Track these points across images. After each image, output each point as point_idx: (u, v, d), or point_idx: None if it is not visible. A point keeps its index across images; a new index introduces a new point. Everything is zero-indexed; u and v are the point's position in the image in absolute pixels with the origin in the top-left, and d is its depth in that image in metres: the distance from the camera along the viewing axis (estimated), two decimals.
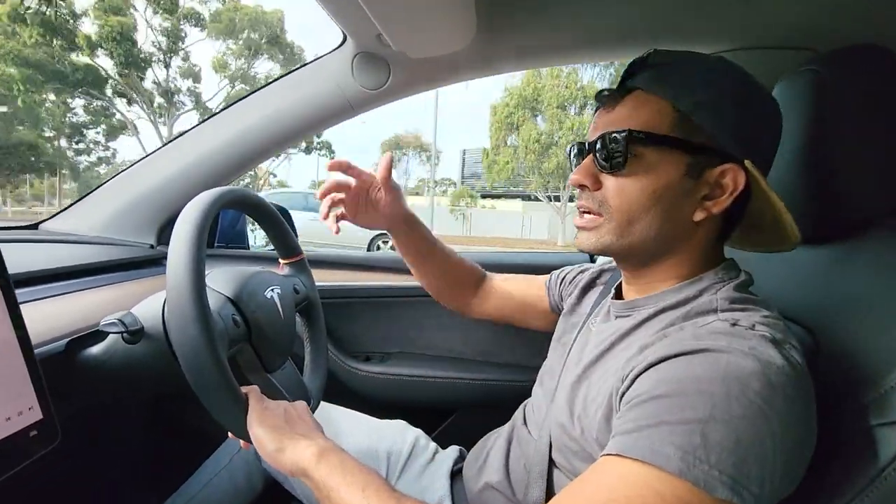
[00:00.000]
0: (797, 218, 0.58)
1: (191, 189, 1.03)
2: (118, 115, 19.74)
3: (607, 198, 0.53)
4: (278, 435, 0.51)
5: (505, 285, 0.90)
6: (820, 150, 0.56)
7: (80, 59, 16.69)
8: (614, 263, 0.64)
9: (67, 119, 19.06)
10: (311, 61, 0.97)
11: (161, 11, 17.64)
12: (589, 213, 0.55)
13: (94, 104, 18.99)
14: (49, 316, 0.65)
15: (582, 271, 0.80)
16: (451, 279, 0.89)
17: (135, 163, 1.06)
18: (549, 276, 0.85)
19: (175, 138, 1.05)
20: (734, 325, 0.45)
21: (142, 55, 17.76)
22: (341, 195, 0.75)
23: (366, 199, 0.78)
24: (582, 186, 0.55)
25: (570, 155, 0.59)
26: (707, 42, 0.88)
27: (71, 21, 16.15)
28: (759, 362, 0.40)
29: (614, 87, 0.56)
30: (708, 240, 0.54)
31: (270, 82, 1.01)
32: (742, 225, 0.56)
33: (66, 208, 1.07)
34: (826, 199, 0.56)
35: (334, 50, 0.93)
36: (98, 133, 20.03)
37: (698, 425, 0.38)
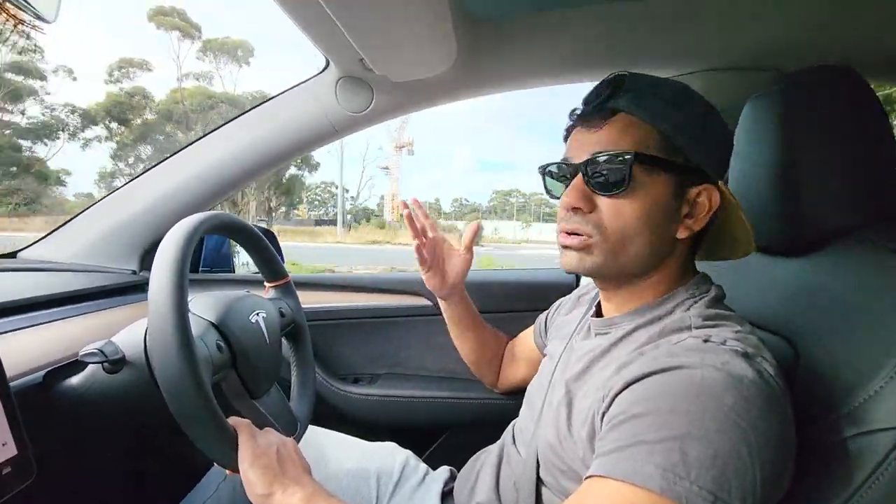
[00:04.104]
0: (772, 233, 0.60)
1: (174, 214, 1.02)
2: None
3: (603, 220, 0.52)
4: (269, 478, 0.50)
5: (520, 349, 0.92)
6: (789, 166, 0.58)
7: None
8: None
9: None
10: (295, 85, 0.98)
11: None
12: (577, 234, 0.53)
13: None
14: (26, 347, 0.63)
15: (564, 300, 0.83)
16: (490, 352, 0.93)
17: (117, 188, 1.05)
18: (534, 326, 0.87)
19: (158, 163, 1.05)
20: (706, 341, 0.46)
21: None
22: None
23: (439, 259, 0.82)
24: (574, 209, 0.53)
25: (544, 173, 0.58)
26: (678, 64, 0.91)
27: None
28: (731, 377, 0.41)
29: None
30: (686, 255, 0.56)
31: (254, 107, 1.01)
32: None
33: (45, 236, 1.05)
34: (798, 213, 0.58)
35: (318, 74, 0.94)
36: None
37: (676, 442, 0.39)
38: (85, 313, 0.80)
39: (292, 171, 23.48)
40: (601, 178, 0.51)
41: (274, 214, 24.24)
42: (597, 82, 0.55)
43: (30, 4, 0.51)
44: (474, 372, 0.95)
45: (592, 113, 0.54)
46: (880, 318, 0.47)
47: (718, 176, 0.52)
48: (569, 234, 0.54)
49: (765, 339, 0.50)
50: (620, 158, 0.50)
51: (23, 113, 20.83)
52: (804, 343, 0.55)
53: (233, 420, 0.54)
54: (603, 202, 0.52)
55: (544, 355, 0.76)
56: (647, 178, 0.50)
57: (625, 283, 0.57)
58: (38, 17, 0.54)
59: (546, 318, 0.85)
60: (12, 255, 1.04)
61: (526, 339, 0.90)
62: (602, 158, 0.50)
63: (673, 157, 0.51)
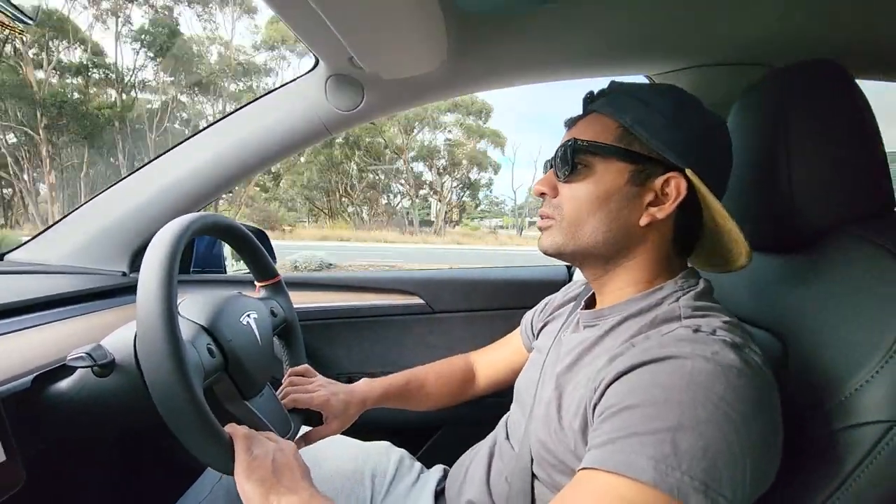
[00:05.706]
0: (760, 230, 0.60)
1: (165, 214, 1.01)
2: None
3: (562, 203, 0.58)
4: (265, 491, 0.50)
5: (486, 359, 0.92)
6: (777, 163, 0.58)
7: None
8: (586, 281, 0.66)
9: None
10: (284, 84, 0.97)
11: None
12: (547, 217, 0.59)
13: None
14: (14, 351, 0.62)
15: (552, 297, 0.82)
16: (448, 392, 0.91)
17: (106, 189, 1.04)
18: (520, 327, 0.87)
19: (148, 163, 1.03)
20: (696, 331, 0.46)
21: None
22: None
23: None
24: (543, 194, 0.60)
25: (545, 169, 0.64)
26: (668, 60, 0.92)
27: None
28: (720, 366, 0.42)
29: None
30: (661, 246, 0.56)
31: (243, 106, 1.00)
32: (699, 243, 0.59)
33: (32, 238, 1.04)
34: (786, 210, 0.58)
35: (307, 73, 0.93)
36: None
37: (668, 434, 0.39)
38: (74, 316, 0.79)
39: (473, 174, 22.67)
40: (558, 166, 0.58)
41: (449, 215, 23.26)
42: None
43: (9, 5, 0.50)
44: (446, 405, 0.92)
45: (575, 117, 0.61)
46: (867, 313, 0.48)
47: (688, 164, 0.52)
48: (542, 218, 0.60)
49: (754, 335, 0.50)
50: (570, 147, 0.56)
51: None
52: (793, 338, 0.55)
53: (229, 427, 0.53)
54: (563, 188, 0.58)
55: (531, 351, 0.76)
56: (599, 165, 0.55)
57: (602, 270, 0.58)
58: (18, 18, 0.53)
59: (532, 317, 0.85)
60: None
61: (512, 340, 0.90)
62: (559, 149, 0.57)
63: (629, 147, 0.54)
